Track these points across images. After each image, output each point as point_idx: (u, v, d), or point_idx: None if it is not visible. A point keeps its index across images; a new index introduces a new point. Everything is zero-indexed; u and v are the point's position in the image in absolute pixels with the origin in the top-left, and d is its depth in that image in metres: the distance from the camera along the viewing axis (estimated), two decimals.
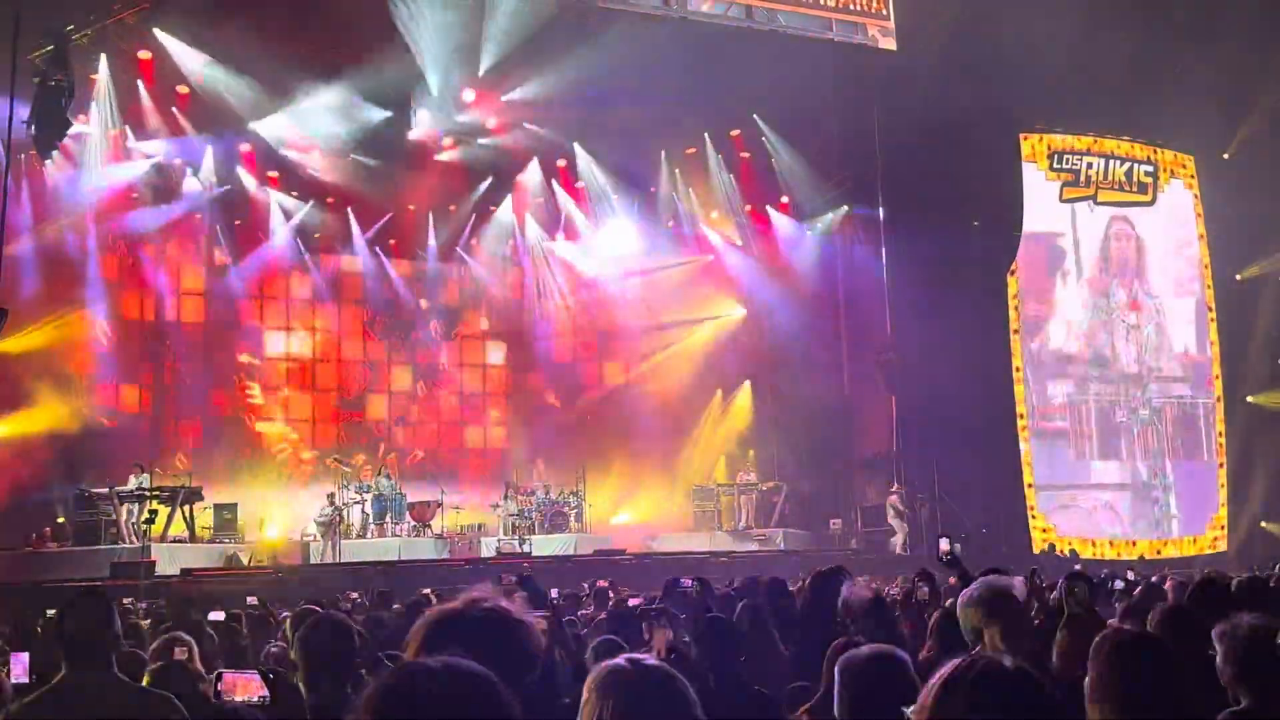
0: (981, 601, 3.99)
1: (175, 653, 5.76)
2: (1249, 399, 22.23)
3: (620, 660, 2.11)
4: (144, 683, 4.22)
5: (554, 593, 9.56)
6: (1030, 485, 20.53)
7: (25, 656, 4.32)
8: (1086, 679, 2.81)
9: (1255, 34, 19.69)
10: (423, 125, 20.34)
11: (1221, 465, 22.10)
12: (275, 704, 3.33)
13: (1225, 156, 22.24)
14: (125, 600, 10.64)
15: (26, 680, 4.21)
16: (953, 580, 6.85)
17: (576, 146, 21.62)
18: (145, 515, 17.03)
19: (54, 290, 18.48)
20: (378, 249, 22.63)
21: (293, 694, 3.31)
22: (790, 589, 8.05)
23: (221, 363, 21.54)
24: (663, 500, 22.42)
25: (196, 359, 21.22)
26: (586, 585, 10.80)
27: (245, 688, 3.30)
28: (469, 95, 19.86)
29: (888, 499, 19.88)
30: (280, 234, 21.58)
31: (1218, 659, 3.41)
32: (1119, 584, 6.63)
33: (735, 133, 21.50)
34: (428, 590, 9.58)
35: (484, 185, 22.31)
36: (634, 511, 22.39)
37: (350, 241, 22.35)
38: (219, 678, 3.36)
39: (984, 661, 1.82)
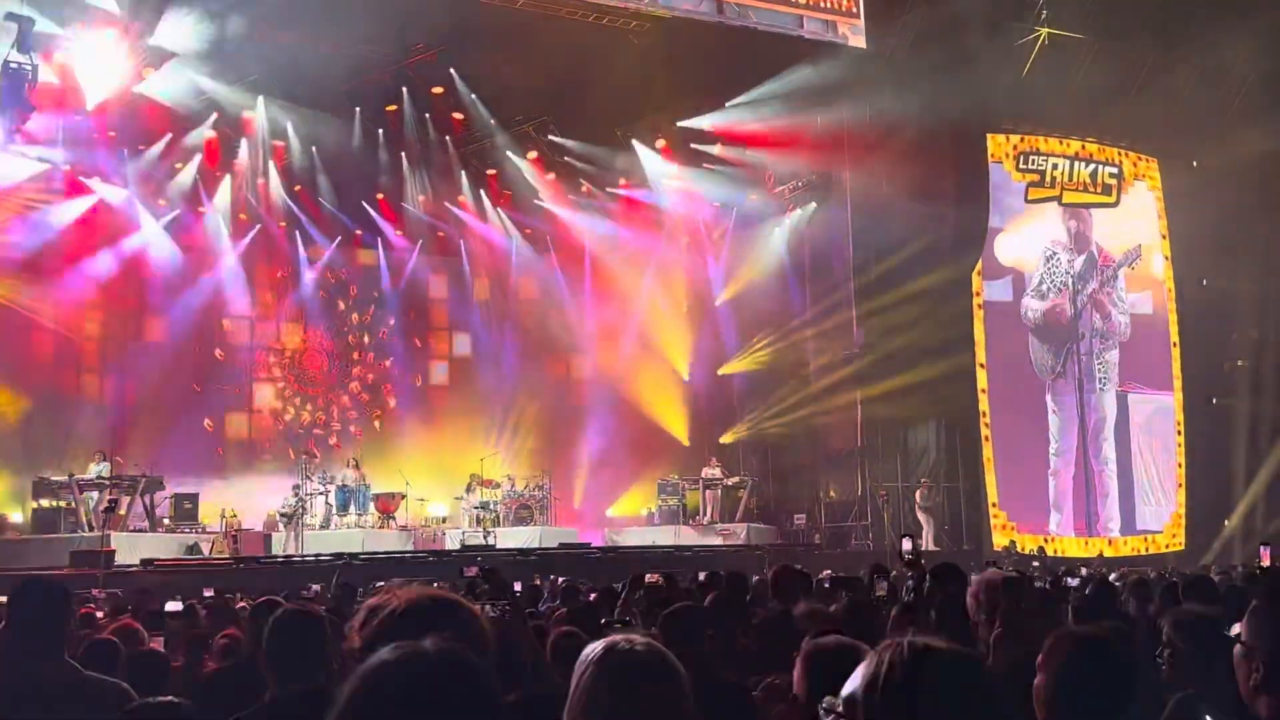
0: (978, 593, 4.05)
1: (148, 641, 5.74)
2: (1214, 401, 22.48)
3: (617, 639, 2.11)
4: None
5: (517, 586, 9.58)
6: (992, 483, 20.67)
7: None
8: (1037, 681, 2.82)
9: (1223, 40, 19.90)
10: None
11: (1180, 465, 22.33)
12: None
13: (1195, 165, 22.42)
14: (93, 590, 10.55)
15: None
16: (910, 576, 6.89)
17: (551, 138, 21.58)
18: (105, 504, 16.92)
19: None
20: (340, 238, 22.50)
21: None
22: (750, 583, 8.11)
23: (187, 350, 21.30)
24: (628, 494, 22.45)
25: (163, 347, 21.00)
26: (541, 580, 10.82)
27: None
28: (437, 90, 19.85)
29: (916, 493, 19.93)
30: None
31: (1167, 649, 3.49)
32: (1072, 581, 6.69)
33: (708, 125, 21.48)
34: (382, 583, 9.55)
35: (459, 178, 22.25)
36: (599, 505, 22.41)
37: (309, 232, 22.21)
38: None
39: (919, 644, 1.82)
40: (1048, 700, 2.71)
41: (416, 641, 1.66)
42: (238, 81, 18.41)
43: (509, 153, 21.84)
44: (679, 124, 21.21)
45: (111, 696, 3.47)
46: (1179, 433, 22.42)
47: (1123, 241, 22.58)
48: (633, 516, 22.17)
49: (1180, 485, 22.21)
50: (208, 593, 9.02)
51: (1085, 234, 22.25)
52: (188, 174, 20.39)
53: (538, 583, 10.31)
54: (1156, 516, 21.98)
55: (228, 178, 20.81)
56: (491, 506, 19.44)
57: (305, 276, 22.68)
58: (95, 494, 16.93)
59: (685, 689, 2.05)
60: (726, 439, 22.47)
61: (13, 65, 15.86)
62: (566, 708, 2.04)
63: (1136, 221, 22.72)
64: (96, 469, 17.44)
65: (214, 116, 19.25)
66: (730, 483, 20.86)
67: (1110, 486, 21.75)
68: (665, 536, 19.87)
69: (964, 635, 4.08)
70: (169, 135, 19.38)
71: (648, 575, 8.32)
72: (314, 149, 20.66)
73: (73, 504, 16.73)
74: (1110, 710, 2.68)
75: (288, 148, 20.59)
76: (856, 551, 18.91)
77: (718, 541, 19.54)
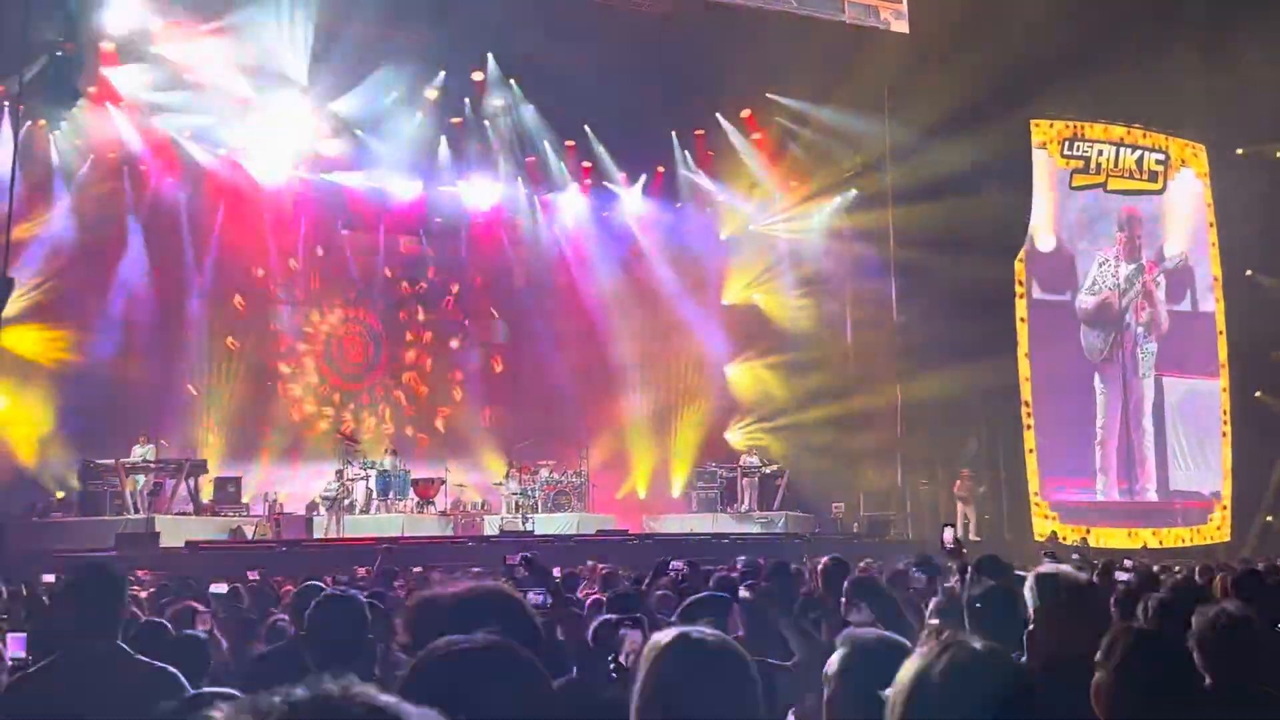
0: (1030, 589, 4.00)
1: (196, 623, 5.81)
2: (1257, 395, 22.17)
3: (687, 630, 2.13)
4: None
5: (556, 571, 9.61)
6: (1034, 472, 20.52)
7: (22, 637, 4.32)
8: (1097, 677, 2.78)
9: (1270, 23, 19.54)
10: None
11: (1226, 455, 22.09)
12: None
13: (1240, 153, 22.07)
14: (140, 573, 10.67)
15: (25, 657, 4.23)
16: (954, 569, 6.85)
17: (586, 128, 21.54)
18: (150, 487, 17.16)
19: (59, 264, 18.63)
20: (380, 223, 22.62)
21: None
22: (792, 570, 8.08)
23: (236, 336, 21.50)
24: (665, 481, 22.46)
25: (212, 332, 21.21)
26: (578, 566, 10.85)
27: None
28: (477, 75, 19.85)
29: (954, 485, 19.76)
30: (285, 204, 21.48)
31: (1192, 643, 3.45)
32: (1123, 576, 6.63)
33: (746, 113, 21.41)
34: (419, 569, 9.64)
35: (496, 163, 22.29)
36: (634, 482, 22.44)
37: (351, 216, 22.31)
38: None
39: (956, 644, 1.82)
40: (1107, 697, 2.67)
41: (469, 635, 1.67)
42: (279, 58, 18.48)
43: (546, 141, 21.86)
44: (717, 115, 21.19)
45: (162, 681, 3.50)
46: (1225, 422, 22.17)
47: (1170, 228, 22.36)
48: (670, 502, 22.17)
49: (1226, 475, 21.95)
50: (252, 575, 9.09)
51: (1136, 244, 22.17)
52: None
53: (581, 570, 10.33)
54: (1188, 480, 22.03)
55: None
56: (530, 493, 19.50)
57: (349, 261, 22.81)
58: (140, 477, 17.18)
59: (753, 676, 2.07)
60: (765, 426, 22.42)
61: (59, 52, 16.05)
62: (635, 694, 2.05)
63: (1184, 210, 22.47)
64: (141, 452, 17.67)
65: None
66: (768, 470, 20.81)
67: (1148, 454, 21.95)
68: (703, 524, 19.86)
69: (1008, 629, 4.03)
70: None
71: (673, 562, 8.31)
72: (357, 132, 20.70)
73: (118, 487, 16.95)
74: (1170, 707, 2.64)
75: (334, 129, 20.64)
76: (896, 541, 18.80)
77: (756, 529, 19.53)
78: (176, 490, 17.25)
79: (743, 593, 4.91)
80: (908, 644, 2.80)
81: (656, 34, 18.32)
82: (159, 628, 4.83)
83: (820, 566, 6.20)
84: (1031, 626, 3.99)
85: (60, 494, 17.89)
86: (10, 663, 4.18)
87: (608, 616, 5.15)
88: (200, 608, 6.19)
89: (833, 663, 2.78)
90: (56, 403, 18.29)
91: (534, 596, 4.43)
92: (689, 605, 4.87)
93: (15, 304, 15.52)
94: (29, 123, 17.25)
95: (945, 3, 18.76)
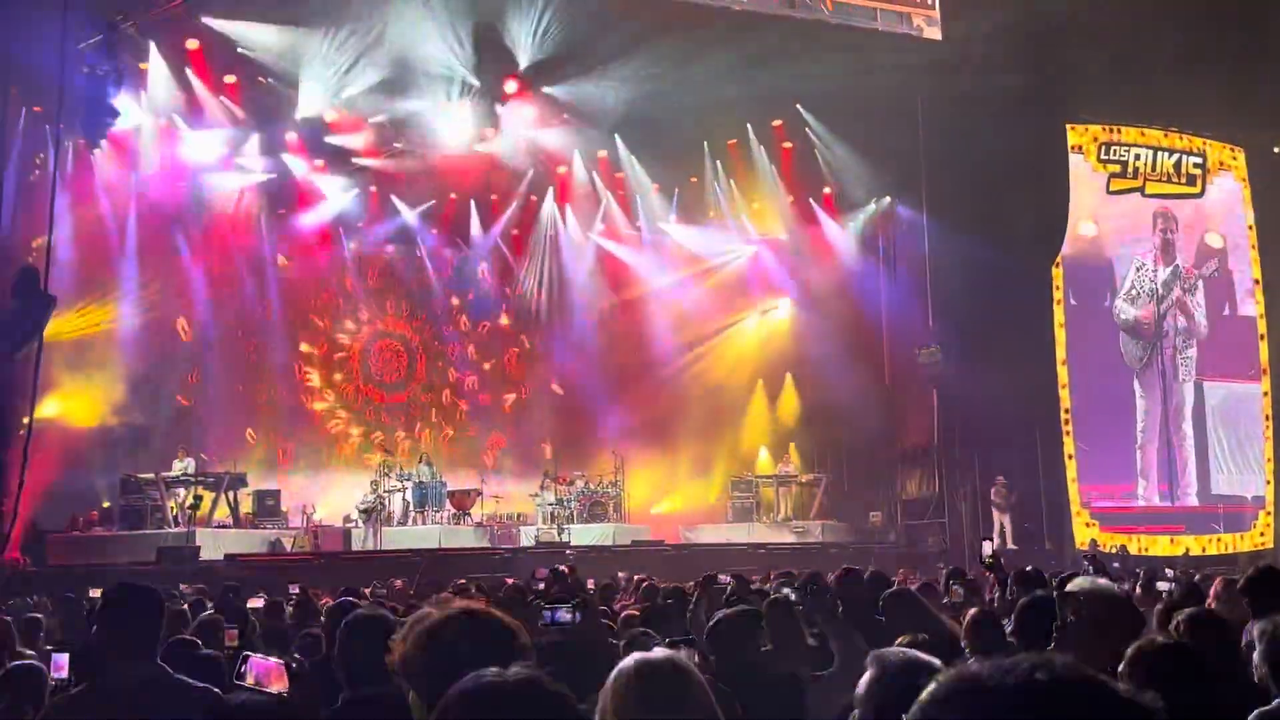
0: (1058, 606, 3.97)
1: (226, 638, 5.86)
2: None
3: (629, 660, 2.19)
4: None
5: (590, 583, 9.62)
6: (1073, 480, 20.32)
7: (65, 657, 4.38)
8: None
9: None
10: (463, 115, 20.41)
11: (1269, 460, 21.79)
12: (290, 700, 3.26)
13: (1276, 150, 21.82)
14: (183, 586, 10.78)
15: (67, 677, 4.28)
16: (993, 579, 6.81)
17: (616, 138, 21.54)
18: (190, 500, 17.33)
19: (105, 278, 18.88)
20: (418, 238, 22.76)
21: (312, 691, 3.23)
22: (828, 581, 8.05)
23: (271, 350, 21.69)
24: (701, 491, 22.41)
25: (245, 348, 21.42)
26: (613, 578, 10.85)
27: (266, 678, 3.22)
28: (510, 86, 19.92)
29: (991, 491, 19.56)
30: (324, 218, 21.72)
31: (1255, 656, 3.36)
32: (1164, 584, 6.54)
33: (777, 123, 21.39)
34: (462, 580, 9.66)
35: (527, 177, 22.35)
36: (672, 502, 22.40)
37: (391, 230, 22.47)
38: (244, 660, 3.32)
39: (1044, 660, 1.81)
40: None
41: (501, 671, 1.67)
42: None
43: (577, 150, 21.91)
44: (747, 126, 21.17)
45: (202, 700, 3.53)
46: (1267, 426, 21.88)
47: (1210, 232, 22.12)
48: (706, 512, 22.12)
49: (1269, 481, 21.66)
50: (293, 589, 9.16)
51: (1172, 245, 21.94)
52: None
53: (620, 579, 10.33)
54: (1229, 484, 21.71)
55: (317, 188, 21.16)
56: (565, 503, 19.52)
57: (390, 274, 23.02)
58: (181, 491, 17.36)
59: (705, 696, 2.21)
60: (801, 436, 22.32)
61: (98, 71, 16.22)
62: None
63: (1223, 213, 22.22)
64: (181, 466, 17.87)
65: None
66: (805, 479, 20.73)
67: (1189, 458, 21.65)
68: (738, 534, 19.80)
69: (1048, 642, 3.99)
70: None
71: (720, 575, 8.31)
72: (395, 145, 20.82)
73: (158, 500, 17.12)
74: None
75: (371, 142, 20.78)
76: (934, 550, 18.68)
77: (792, 539, 19.45)
78: (216, 503, 17.40)
79: (790, 595, 4.92)
80: (937, 663, 2.77)
81: (689, 44, 18.30)
82: (184, 646, 4.87)
83: (834, 576, 6.21)
84: (1052, 645, 3.95)
85: (106, 503, 18.10)
86: (53, 683, 4.23)
87: (646, 630, 5.16)
88: (224, 622, 6.25)
89: (861, 684, 2.76)
90: (100, 413, 18.53)
91: (562, 614, 4.41)
92: (718, 620, 4.86)
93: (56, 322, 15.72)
94: (69, 142, 17.48)
95: (979, 8, 18.62)
